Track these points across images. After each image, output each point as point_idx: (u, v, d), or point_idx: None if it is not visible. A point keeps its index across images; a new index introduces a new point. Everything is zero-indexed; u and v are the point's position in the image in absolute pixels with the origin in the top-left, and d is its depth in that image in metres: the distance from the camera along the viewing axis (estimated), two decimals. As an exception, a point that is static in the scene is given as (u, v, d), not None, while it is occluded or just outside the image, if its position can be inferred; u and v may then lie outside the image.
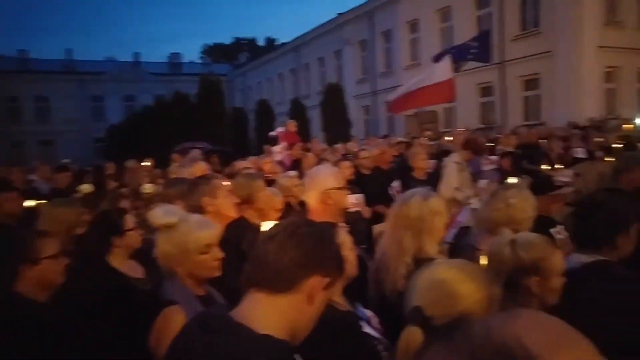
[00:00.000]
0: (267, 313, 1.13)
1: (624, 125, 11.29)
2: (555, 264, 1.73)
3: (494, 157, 7.41)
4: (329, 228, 1.27)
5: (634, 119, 12.72)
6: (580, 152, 8.96)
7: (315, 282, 1.16)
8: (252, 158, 7.99)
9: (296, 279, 1.15)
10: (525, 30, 17.68)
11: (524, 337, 0.67)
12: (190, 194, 2.95)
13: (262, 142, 12.41)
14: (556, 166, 8.28)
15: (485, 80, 17.90)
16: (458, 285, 1.32)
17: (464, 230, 4.78)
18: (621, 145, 8.73)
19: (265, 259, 1.16)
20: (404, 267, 2.12)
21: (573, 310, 1.33)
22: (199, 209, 2.74)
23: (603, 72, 16.91)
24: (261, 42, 58.31)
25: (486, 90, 18.96)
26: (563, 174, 7.56)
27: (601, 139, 9.40)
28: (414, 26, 23.20)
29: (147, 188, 4.90)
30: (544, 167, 8.00)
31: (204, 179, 3.07)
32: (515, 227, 2.38)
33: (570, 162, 8.68)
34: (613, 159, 5.54)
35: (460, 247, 2.72)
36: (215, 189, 2.92)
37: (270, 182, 6.00)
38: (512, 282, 1.69)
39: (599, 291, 1.85)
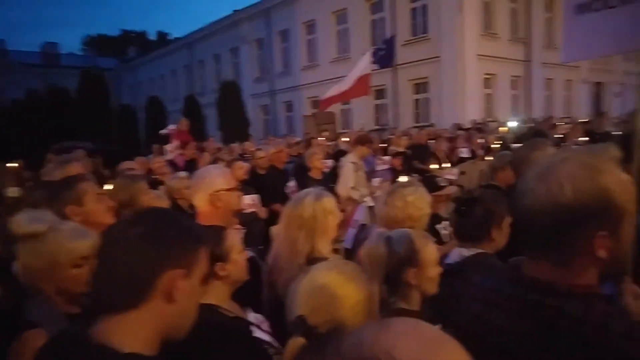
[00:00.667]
0: (129, 329, 1.01)
1: (501, 128, 12.35)
2: (429, 254, 1.81)
3: (386, 157, 7.65)
4: (159, 215, 1.12)
5: (509, 122, 14.02)
6: (464, 152, 9.61)
7: (167, 279, 1.03)
8: (139, 158, 7.42)
9: (144, 286, 1.02)
10: (415, 35, 18.71)
11: (395, 348, 0.64)
12: (54, 200, 2.53)
13: (152, 141, 11.68)
14: (443, 165, 8.84)
15: (379, 83, 18.62)
16: (338, 288, 1.30)
17: (363, 228, 4.86)
18: (498, 146, 9.54)
19: (103, 277, 1.04)
20: (298, 268, 2.09)
21: (456, 301, 1.38)
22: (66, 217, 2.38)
23: (482, 78, 18.47)
24: (152, 36, 55.50)
25: (380, 93, 19.75)
26: (450, 172, 8.10)
27: (482, 140, 10.19)
28: (310, 27, 23.49)
29: (12, 192, 4.38)
30: (432, 165, 8.50)
31: (67, 183, 2.64)
32: (413, 223, 2.47)
33: (456, 161, 9.31)
34: (491, 158, 5.94)
35: (358, 244, 2.76)
36: (81, 195, 2.52)
37: (160, 184, 5.66)
38: (392, 278, 1.75)
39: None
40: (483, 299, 1.23)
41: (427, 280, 1.80)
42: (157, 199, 3.37)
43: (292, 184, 6.02)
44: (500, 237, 2.17)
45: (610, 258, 1.04)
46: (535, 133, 6.46)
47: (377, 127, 18.13)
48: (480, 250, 2.14)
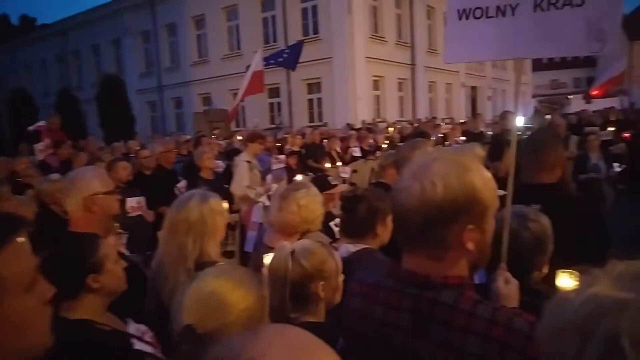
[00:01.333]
0: None
1: (389, 128, 12.92)
2: (334, 265, 1.81)
3: (282, 156, 7.61)
4: None
5: (396, 123, 14.74)
6: (356, 151, 9.88)
7: None
8: (1, 159, 6.54)
9: None
10: (307, 35, 18.88)
11: (264, 356, 0.61)
12: None
13: (19, 140, 10.40)
14: (337, 164, 9.03)
15: (274, 81, 18.51)
16: (228, 295, 1.27)
17: (261, 227, 4.72)
18: (386, 145, 9.96)
19: None
20: (186, 273, 2.00)
21: (344, 296, 1.41)
22: None
23: (371, 80, 19.22)
24: (15, 21, 49.38)
25: (274, 92, 19.65)
26: (344, 171, 8.29)
27: (372, 140, 10.56)
28: (200, 22, 22.62)
29: None
30: (326, 164, 8.63)
31: None
32: (309, 226, 2.48)
33: (348, 160, 9.54)
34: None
35: (255, 244, 2.65)
36: None
37: (28, 187, 5.00)
38: (298, 292, 1.72)
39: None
40: (364, 293, 1.26)
41: (334, 290, 1.78)
42: (21, 206, 2.93)
43: (182, 184, 5.69)
44: (385, 232, 2.26)
45: (477, 249, 1.12)
46: (418, 133, 6.83)
47: (272, 125, 18.01)
48: (365, 246, 2.21)
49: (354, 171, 8.73)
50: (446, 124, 13.80)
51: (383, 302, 1.19)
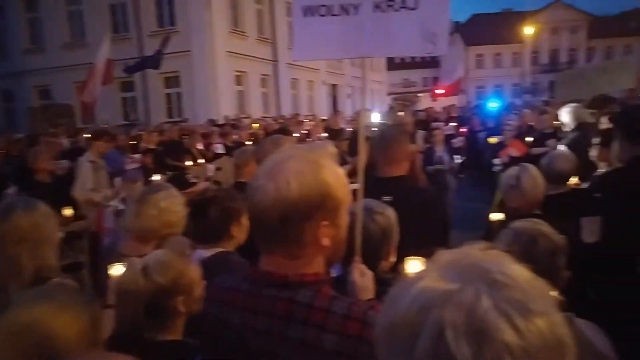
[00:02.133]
0: None
1: (254, 124, 12.79)
2: (194, 275, 1.72)
3: (136, 155, 7.05)
4: None
5: (261, 119, 14.66)
6: (219, 148, 9.57)
7: None
8: None
9: None
10: (162, 27, 17.82)
11: None
12: None
13: None
14: (199, 161, 8.65)
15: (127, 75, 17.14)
16: (50, 323, 1.16)
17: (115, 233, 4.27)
18: (251, 142, 9.83)
19: None
20: (20, 291, 1.79)
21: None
22: None
23: (233, 75, 18.85)
24: None
25: (128, 85, 18.17)
26: (207, 169, 7.96)
27: (236, 136, 10.34)
28: (31, 3, 19.85)
29: None
30: (187, 162, 8.21)
31: None
32: (170, 230, 2.34)
33: (211, 157, 9.20)
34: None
35: (107, 253, 2.54)
36: None
37: None
38: (155, 309, 1.61)
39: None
40: (221, 299, 1.23)
41: (195, 302, 1.66)
42: None
43: (12, 190, 4.93)
44: (241, 233, 2.23)
45: (333, 245, 1.14)
46: (280, 130, 6.84)
47: (125, 122, 16.69)
48: (220, 249, 2.16)
49: (218, 169, 8.43)
50: (309, 120, 14.09)
51: (241, 306, 1.17)
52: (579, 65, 37.33)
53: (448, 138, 9.91)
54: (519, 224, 1.86)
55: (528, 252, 1.69)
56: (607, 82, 6.44)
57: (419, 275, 0.62)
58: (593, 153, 3.93)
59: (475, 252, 0.64)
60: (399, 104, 27.52)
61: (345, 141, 7.22)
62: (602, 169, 3.69)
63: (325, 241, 1.12)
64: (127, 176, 5.78)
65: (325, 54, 2.30)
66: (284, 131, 6.63)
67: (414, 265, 1.85)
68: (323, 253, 1.16)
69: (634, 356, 1.75)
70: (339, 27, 2.03)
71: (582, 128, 5.23)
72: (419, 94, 33.04)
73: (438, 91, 13.33)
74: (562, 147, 4.53)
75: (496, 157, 7.01)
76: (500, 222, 2.62)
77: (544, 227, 1.80)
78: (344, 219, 1.18)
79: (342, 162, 6.75)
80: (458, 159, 7.32)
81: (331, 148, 3.74)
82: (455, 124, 11.73)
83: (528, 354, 0.52)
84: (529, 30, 40.21)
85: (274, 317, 1.11)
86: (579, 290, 2.29)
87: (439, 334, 0.54)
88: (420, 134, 8.35)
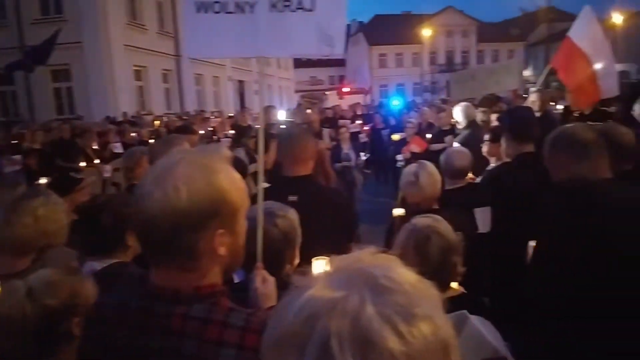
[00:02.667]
0: None
1: (155, 121, 12.17)
2: (89, 293, 1.52)
3: (17, 157, 6.37)
4: None
5: (163, 116, 14.00)
6: (118, 147, 8.97)
7: None
8: None
9: None
10: (47, 15, 16.27)
11: None
12: None
13: None
14: (95, 161, 8.04)
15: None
16: None
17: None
18: (152, 140, 9.33)
19: None
20: None
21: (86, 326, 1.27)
22: None
23: (132, 70, 17.79)
24: None
25: (6, 78, 16.12)
26: (103, 170, 7.40)
27: (135, 134, 9.77)
28: None
29: None
30: (81, 163, 7.58)
31: None
32: (49, 240, 2.09)
33: (108, 157, 8.59)
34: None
35: None
36: None
37: None
38: (44, 335, 1.42)
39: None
40: (108, 317, 1.11)
41: None
42: None
43: None
44: (137, 242, 2.01)
45: (230, 253, 1.09)
46: (183, 127, 6.54)
47: (3, 119, 15.06)
48: (115, 261, 2.02)
49: (115, 169, 7.88)
50: (215, 117, 13.72)
51: (131, 325, 1.07)
52: (471, 66, 40.25)
53: (354, 135, 10.19)
54: (415, 221, 1.93)
55: (422, 250, 1.76)
56: (494, 83, 6.94)
57: (306, 284, 0.60)
58: (484, 149, 4.20)
59: (364, 256, 0.62)
60: (307, 102, 27.76)
61: (253, 139, 7.10)
62: (493, 163, 3.96)
63: (222, 250, 1.06)
64: (5, 180, 5.19)
65: (221, 52, 2.25)
66: (187, 129, 6.34)
67: (320, 266, 1.80)
68: (219, 263, 1.10)
69: (529, 342, 1.87)
70: (234, 25, 1.99)
71: (473, 125, 5.60)
72: (326, 92, 33.64)
73: (344, 92, 13.71)
74: (456, 144, 4.81)
75: (399, 154, 7.28)
76: (401, 218, 2.68)
77: (440, 224, 1.87)
78: (241, 225, 1.13)
79: (252, 160, 6.65)
80: (364, 156, 7.52)
81: (226, 151, 3.62)
82: (360, 121, 12.09)
83: (412, 359, 0.52)
84: (426, 32, 42.58)
85: (167, 335, 1.03)
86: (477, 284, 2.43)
87: (324, 345, 0.52)
88: (327, 131, 8.46)
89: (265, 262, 1.61)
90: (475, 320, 0.83)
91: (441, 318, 0.57)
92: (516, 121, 2.88)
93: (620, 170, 2.22)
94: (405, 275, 0.59)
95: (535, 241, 2.06)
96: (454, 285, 1.88)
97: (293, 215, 1.83)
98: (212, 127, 11.23)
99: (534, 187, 2.40)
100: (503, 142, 2.98)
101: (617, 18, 33.15)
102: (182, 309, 1.04)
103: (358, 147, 7.92)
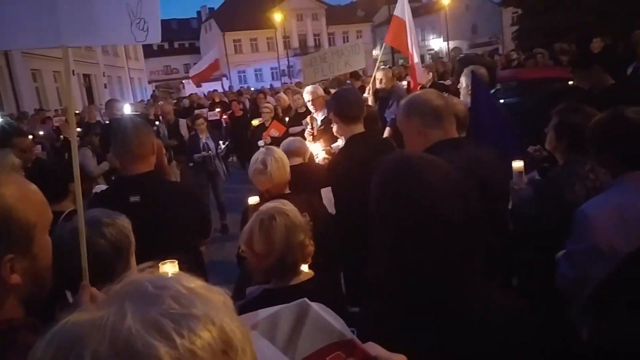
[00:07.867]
0: None
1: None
2: None
3: None
4: None
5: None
6: None
7: None
8: None
9: None
10: None
11: None
12: None
13: None
14: None
15: None
16: None
17: None
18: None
19: None
20: None
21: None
22: None
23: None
24: None
25: None
26: None
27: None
28: None
29: None
30: None
31: None
32: None
33: None
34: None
35: None
36: None
37: None
38: None
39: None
40: None
41: None
42: None
43: None
44: None
45: (29, 279, 0.95)
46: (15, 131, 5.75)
47: None
48: None
49: None
50: (60, 115, 12.39)
51: None
52: (322, 49, 41.58)
53: (213, 124, 9.89)
54: (263, 206, 1.92)
55: (267, 229, 1.76)
56: (343, 64, 7.20)
57: (68, 315, 0.53)
58: (334, 129, 4.36)
59: (142, 275, 0.57)
60: (162, 92, 26.34)
61: (97, 135, 6.52)
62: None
63: (15, 279, 0.92)
64: None
65: (20, 43, 1.98)
66: (19, 132, 5.53)
67: (168, 269, 1.71)
68: (15, 293, 0.95)
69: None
70: (31, 12, 1.72)
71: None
72: (183, 81, 32.22)
73: (193, 78, 13.22)
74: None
75: (260, 139, 7.25)
76: (255, 206, 2.65)
77: (286, 205, 1.88)
78: (42, 243, 0.99)
79: (100, 160, 6.07)
80: (222, 145, 7.36)
81: (13, 159, 3.17)
82: (219, 109, 11.79)
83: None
84: (277, 16, 42.82)
85: None
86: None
87: None
88: (184, 122, 8.10)
89: (93, 278, 1.44)
90: (317, 307, 0.84)
91: (223, 320, 0.54)
92: (342, 105, 2.97)
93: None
94: (183, 281, 0.55)
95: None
96: (304, 268, 1.92)
97: (123, 221, 1.64)
98: (55, 126, 10.32)
99: (365, 167, 2.51)
100: (334, 126, 3.10)
101: (446, -1, 36.67)
102: None
103: (217, 135, 7.70)
